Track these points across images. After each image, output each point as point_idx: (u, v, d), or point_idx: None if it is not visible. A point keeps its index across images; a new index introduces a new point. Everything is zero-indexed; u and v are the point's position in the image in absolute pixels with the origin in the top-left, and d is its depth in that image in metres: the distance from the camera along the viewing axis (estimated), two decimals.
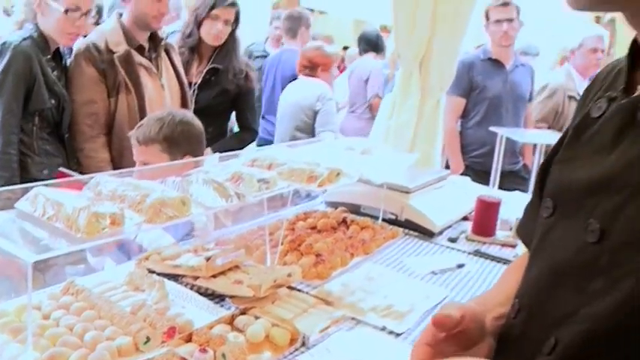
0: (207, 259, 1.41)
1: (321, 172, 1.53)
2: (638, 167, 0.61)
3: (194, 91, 2.86)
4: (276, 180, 1.45)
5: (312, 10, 10.15)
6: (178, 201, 1.19)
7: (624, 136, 0.65)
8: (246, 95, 3.01)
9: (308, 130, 3.49)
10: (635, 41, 0.70)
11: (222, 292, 1.38)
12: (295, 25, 4.64)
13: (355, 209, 2.09)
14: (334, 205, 2.14)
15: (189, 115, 2.14)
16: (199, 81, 2.88)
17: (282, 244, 1.65)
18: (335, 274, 1.57)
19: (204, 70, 2.90)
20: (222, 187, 1.34)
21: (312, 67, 3.57)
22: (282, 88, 3.82)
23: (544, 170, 0.84)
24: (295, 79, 3.70)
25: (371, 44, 4.94)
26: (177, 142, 1.93)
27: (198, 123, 2.08)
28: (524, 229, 0.96)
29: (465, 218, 2.15)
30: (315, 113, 3.47)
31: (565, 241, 0.71)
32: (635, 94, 0.67)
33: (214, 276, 1.41)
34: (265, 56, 4.96)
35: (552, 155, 0.83)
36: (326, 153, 1.89)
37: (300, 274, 1.45)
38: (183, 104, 2.68)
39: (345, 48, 8.68)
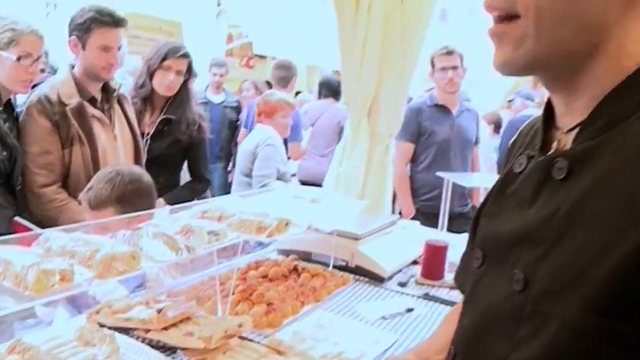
0: (159, 311, 1.42)
1: (270, 222, 1.57)
2: (554, 221, 0.66)
3: (147, 141, 2.87)
4: (225, 232, 1.49)
5: (264, 57, 10.34)
6: (128, 255, 1.21)
7: (542, 191, 0.71)
8: (199, 145, 3.04)
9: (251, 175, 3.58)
10: (549, 101, 0.78)
11: (173, 344, 1.39)
12: (288, 74, 4.75)
13: (306, 256, 2.13)
14: (286, 252, 2.17)
15: (136, 171, 2.14)
16: (152, 131, 2.90)
17: (233, 293, 1.67)
18: (286, 322, 1.59)
19: (157, 121, 2.92)
20: (172, 240, 1.36)
21: (259, 114, 3.74)
22: None
23: (475, 221, 0.91)
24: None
25: (331, 90, 5.04)
26: (130, 201, 1.93)
27: (147, 177, 2.10)
28: (461, 278, 1.02)
29: (415, 262, 2.20)
30: (255, 158, 3.57)
31: (494, 289, 0.76)
32: (550, 152, 0.73)
33: (166, 328, 1.42)
34: (206, 103, 5.04)
35: (482, 207, 0.89)
36: (276, 202, 1.94)
37: (251, 323, 1.47)
38: (136, 155, 2.69)
39: (297, 93, 8.80)
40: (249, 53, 9.75)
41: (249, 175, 3.57)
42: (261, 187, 3.37)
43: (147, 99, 2.95)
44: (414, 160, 3.71)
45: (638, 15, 0.66)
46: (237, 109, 5.65)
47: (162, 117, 2.92)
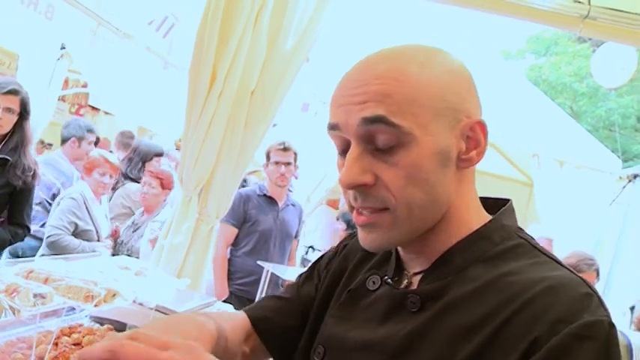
0: None
1: (99, 291, 1.59)
2: (397, 340, 0.82)
3: None
4: (52, 296, 1.48)
5: (97, 109, 10.03)
6: None
7: (393, 315, 0.86)
8: (28, 192, 2.92)
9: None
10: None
11: None
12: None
13: (121, 327, 2.11)
14: (99, 320, 2.14)
15: None
16: None
17: None
18: None
19: None
20: None
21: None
22: None
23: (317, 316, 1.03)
24: None
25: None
26: None
27: None
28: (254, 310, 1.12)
29: None
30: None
31: None
32: (402, 286, 0.90)
33: None
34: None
35: (324, 305, 1.03)
36: (101, 270, 1.94)
37: None
38: None
39: None
40: (82, 102, 9.41)
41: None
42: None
43: None
44: (235, 244, 3.82)
45: (466, 188, 0.87)
46: None
47: None
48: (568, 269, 0.80)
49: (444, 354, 0.77)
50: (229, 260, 3.82)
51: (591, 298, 0.74)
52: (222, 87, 2.94)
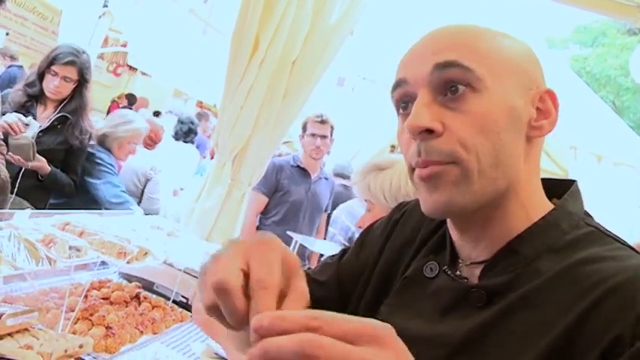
0: None
1: (132, 249, 1.61)
2: (459, 335, 0.77)
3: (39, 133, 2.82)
4: (87, 249, 1.50)
5: (134, 69, 10.11)
6: None
7: (456, 309, 0.80)
8: (81, 152, 3.04)
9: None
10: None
11: (9, 355, 1.34)
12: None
13: (149, 285, 2.14)
14: (128, 277, 2.17)
15: None
16: (46, 126, 2.87)
17: (73, 310, 1.65)
18: (123, 349, 1.61)
19: (52, 117, 2.90)
20: (34, 247, 1.35)
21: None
22: None
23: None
24: None
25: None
26: None
27: (3, 173, 2.03)
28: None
29: None
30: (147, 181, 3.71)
31: None
32: (458, 274, 0.84)
33: (0, 337, 1.38)
34: None
35: (380, 292, 0.96)
36: (134, 228, 1.96)
37: (92, 346, 1.47)
38: None
39: (156, 113, 8.70)
40: (120, 61, 9.49)
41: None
42: None
43: (37, 97, 2.93)
44: (264, 212, 3.83)
45: (533, 165, 0.81)
46: None
47: (58, 115, 2.90)
48: None
49: (515, 351, 0.72)
50: (258, 228, 3.82)
51: None
52: (264, 55, 2.92)
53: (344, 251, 1.10)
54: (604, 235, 0.79)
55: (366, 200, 1.86)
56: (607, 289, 0.68)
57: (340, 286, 1.04)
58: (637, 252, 0.76)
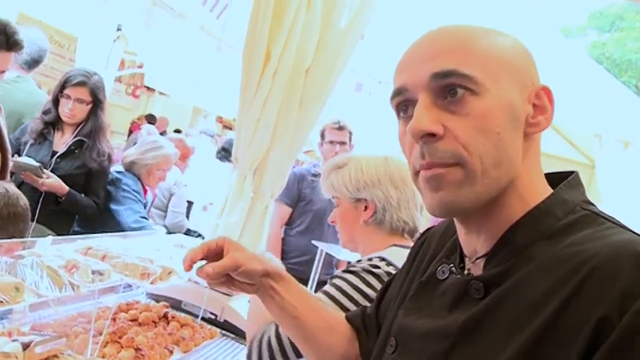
0: (25, 345, 1.38)
1: (155, 269, 1.60)
2: (462, 322, 0.79)
3: (56, 159, 2.87)
4: (110, 273, 1.50)
5: (152, 90, 10.21)
6: (12, 287, 1.19)
7: (460, 303, 0.83)
8: (103, 174, 3.05)
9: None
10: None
11: None
12: None
13: (177, 304, 2.14)
14: (156, 298, 2.17)
15: (12, 193, 1.97)
16: (64, 151, 2.90)
17: (101, 334, 1.65)
18: None
19: (70, 142, 2.92)
20: (56, 274, 1.35)
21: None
22: None
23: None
24: None
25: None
26: (4, 228, 1.83)
27: (23, 201, 2.01)
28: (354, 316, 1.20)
29: None
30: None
31: None
32: (466, 273, 0.87)
33: None
34: None
35: (402, 295, 1.02)
36: (157, 248, 1.96)
37: None
38: (3, 166, 2.55)
39: (177, 131, 8.78)
40: (138, 83, 9.60)
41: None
42: None
43: (54, 124, 2.95)
44: (289, 223, 3.81)
45: (532, 160, 0.83)
46: None
47: (75, 139, 2.92)
48: (636, 233, 0.74)
49: (506, 336, 0.73)
50: (283, 239, 3.81)
51: None
52: (277, 66, 2.91)
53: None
54: (597, 217, 0.79)
55: (333, 197, 1.96)
56: (589, 269, 0.69)
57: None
58: (628, 229, 0.76)
